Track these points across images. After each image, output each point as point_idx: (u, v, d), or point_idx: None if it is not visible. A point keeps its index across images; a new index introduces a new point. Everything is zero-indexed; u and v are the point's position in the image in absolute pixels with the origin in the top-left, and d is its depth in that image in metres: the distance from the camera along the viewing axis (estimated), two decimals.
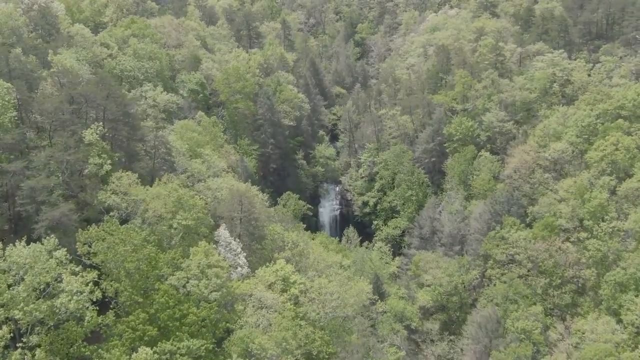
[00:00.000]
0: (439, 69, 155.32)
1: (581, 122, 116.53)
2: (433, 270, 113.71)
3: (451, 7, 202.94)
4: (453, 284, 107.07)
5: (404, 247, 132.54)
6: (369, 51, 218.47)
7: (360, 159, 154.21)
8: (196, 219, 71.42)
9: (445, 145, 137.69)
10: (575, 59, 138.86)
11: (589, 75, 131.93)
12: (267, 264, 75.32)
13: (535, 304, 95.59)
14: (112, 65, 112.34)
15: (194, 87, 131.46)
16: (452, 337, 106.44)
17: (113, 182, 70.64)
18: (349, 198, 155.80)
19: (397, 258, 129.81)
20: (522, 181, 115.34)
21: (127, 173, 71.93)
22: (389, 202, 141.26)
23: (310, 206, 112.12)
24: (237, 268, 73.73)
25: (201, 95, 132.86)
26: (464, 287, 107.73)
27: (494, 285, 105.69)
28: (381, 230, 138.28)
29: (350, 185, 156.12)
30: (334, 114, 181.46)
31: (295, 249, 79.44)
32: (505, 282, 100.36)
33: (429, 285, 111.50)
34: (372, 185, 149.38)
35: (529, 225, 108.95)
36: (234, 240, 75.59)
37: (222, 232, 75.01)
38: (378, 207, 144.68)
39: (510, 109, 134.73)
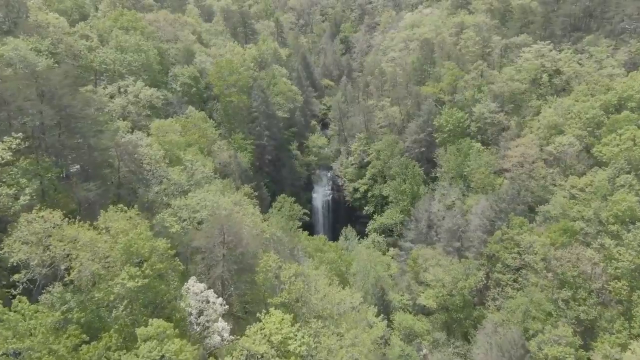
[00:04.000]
0: (423, 61, 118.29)
1: (584, 115, 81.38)
2: (434, 268, 79.88)
3: (426, 7, 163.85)
4: (457, 288, 73.50)
5: (397, 236, 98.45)
6: (352, 47, 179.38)
7: (350, 147, 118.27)
8: (154, 274, 35.87)
9: (435, 136, 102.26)
10: (560, 50, 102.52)
11: (581, 65, 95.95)
12: (259, 314, 40.16)
13: (559, 321, 62.26)
14: (90, 58, 74.31)
15: (186, 81, 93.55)
16: (457, 344, 73.42)
17: (23, 225, 34.59)
18: (340, 184, 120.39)
19: (391, 249, 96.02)
20: (526, 176, 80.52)
21: (48, 212, 35.56)
22: (379, 190, 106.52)
23: (307, 211, 76.12)
24: (214, 334, 38.59)
25: (194, 89, 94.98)
26: (470, 291, 74.04)
27: (502, 290, 72.40)
28: (374, 219, 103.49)
29: (341, 172, 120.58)
30: (324, 104, 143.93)
31: (293, 292, 44.12)
32: (522, 293, 66.87)
33: (429, 285, 77.81)
34: (362, 172, 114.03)
35: (538, 225, 75.08)
36: (211, 294, 40.16)
37: (193, 287, 39.49)
38: (369, 194, 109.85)
39: (499, 100, 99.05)
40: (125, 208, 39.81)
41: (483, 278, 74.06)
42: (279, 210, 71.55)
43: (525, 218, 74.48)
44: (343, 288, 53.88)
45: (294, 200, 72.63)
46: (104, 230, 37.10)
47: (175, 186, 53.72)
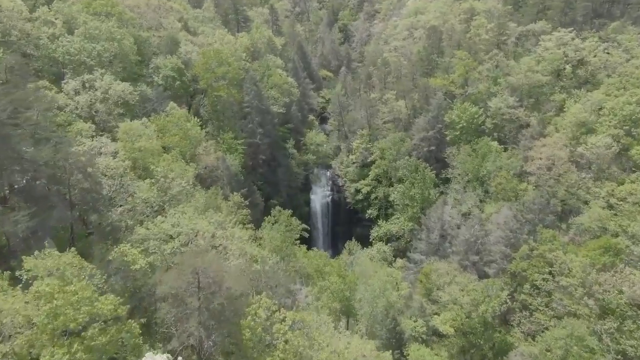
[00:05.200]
0: (430, 51, 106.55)
1: (620, 112, 70.25)
2: (449, 286, 69.17)
3: None
4: (478, 311, 62.89)
5: (406, 244, 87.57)
6: (351, 36, 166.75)
7: (351, 144, 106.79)
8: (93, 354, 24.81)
9: (445, 133, 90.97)
10: (584, 39, 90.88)
11: (609, 55, 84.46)
12: None
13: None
14: (52, 48, 62.30)
15: (169, 73, 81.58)
16: None
17: None
18: (341, 184, 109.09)
19: (398, 259, 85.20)
20: (554, 182, 69.44)
21: None
22: (384, 192, 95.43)
23: (306, 226, 64.71)
24: None
25: (178, 82, 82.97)
26: (492, 315, 63.41)
27: (530, 314, 61.85)
28: (379, 225, 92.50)
29: (341, 171, 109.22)
30: (323, 97, 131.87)
31: (290, 351, 33.19)
32: (558, 322, 56.28)
33: (444, 304, 67.16)
34: (364, 172, 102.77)
35: (570, 240, 64.26)
36: None
37: None
38: (372, 196, 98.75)
39: (517, 94, 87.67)
40: (57, 253, 28.47)
41: (507, 300, 63.35)
42: (273, 225, 60.29)
43: (555, 231, 63.72)
44: (348, 322, 43.16)
45: (290, 213, 61.18)
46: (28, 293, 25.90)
47: (144, 205, 42.32)
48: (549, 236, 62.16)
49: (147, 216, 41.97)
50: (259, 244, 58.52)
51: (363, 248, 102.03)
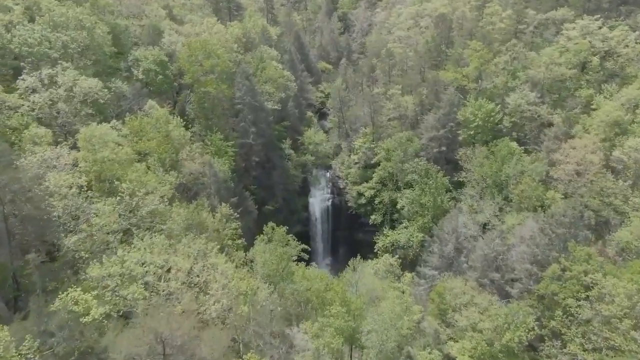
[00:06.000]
0: (439, 41, 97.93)
1: None
2: (467, 309, 61.35)
3: None
4: (502, 340, 55.03)
5: (414, 255, 79.58)
6: (351, 25, 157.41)
7: (353, 143, 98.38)
8: None
9: (458, 132, 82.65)
10: (611, 27, 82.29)
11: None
12: None
13: None
14: (6, 38, 53.56)
15: (150, 67, 72.82)
16: None
17: None
18: (342, 186, 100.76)
19: (406, 273, 77.20)
20: (586, 189, 61.25)
21: None
22: (389, 197, 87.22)
23: (307, 247, 56.40)
24: None
25: (160, 77, 74.17)
26: (519, 346, 55.51)
27: (563, 345, 54.02)
28: (384, 233, 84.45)
29: (342, 172, 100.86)
30: (322, 91, 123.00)
31: None
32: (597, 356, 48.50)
33: (462, 328, 59.36)
34: (367, 173, 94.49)
35: (610, 259, 56.30)
36: None
37: None
38: (376, 200, 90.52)
39: (538, 89, 79.26)
40: None
41: (535, 326, 55.47)
42: (266, 243, 51.97)
43: (590, 247, 55.67)
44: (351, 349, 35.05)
45: (286, 230, 52.80)
46: None
47: (103, 233, 34.00)
48: (583, 254, 54.12)
49: (107, 248, 33.70)
50: (250, 267, 50.46)
51: (367, 256, 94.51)
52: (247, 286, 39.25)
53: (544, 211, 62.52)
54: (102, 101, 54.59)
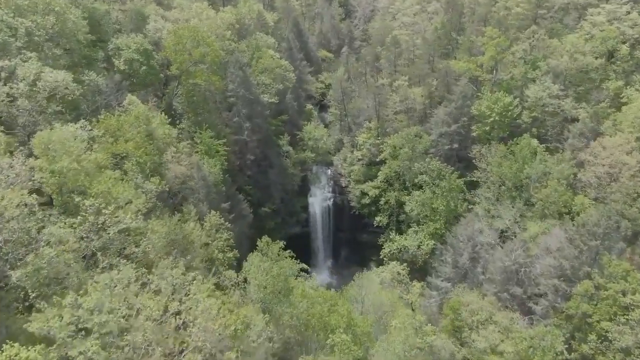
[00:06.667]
0: (449, 28, 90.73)
1: None
2: (485, 327, 55.34)
3: None
4: None
5: (423, 261, 73.31)
6: (353, 11, 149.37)
7: (356, 138, 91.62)
8: None
9: (472, 128, 75.93)
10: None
11: None
12: None
13: None
14: None
15: (133, 56, 65.74)
16: None
17: None
18: (344, 184, 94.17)
19: (415, 282, 71.09)
20: (620, 196, 54.76)
21: None
22: (396, 198, 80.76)
23: (306, 266, 49.82)
24: None
25: (144, 68, 67.07)
26: None
27: None
28: (391, 238, 78.15)
29: (344, 169, 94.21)
30: (322, 82, 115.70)
31: None
32: None
33: (483, 352, 53.38)
34: (372, 171, 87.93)
35: None
36: None
37: None
38: (382, 201, 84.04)
39: (560, 80, 72.41)
40: None
41: (564, 350, 49.41)
42: (261, 258, 45.58)
43: (627, 262, 49.46)
44: None
45: (284, 245, 46.34)
46: None
47: (52, 268, 27.49)
48: (620, 269, 47.92)
49: (61, 284, 27.26)
50: (243, 289, 44.14)
51: (371, 259, 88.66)
52: (237, 320, 32.92)
53: (571, 218, 56.23)
54: (72, 97, 47.67)
